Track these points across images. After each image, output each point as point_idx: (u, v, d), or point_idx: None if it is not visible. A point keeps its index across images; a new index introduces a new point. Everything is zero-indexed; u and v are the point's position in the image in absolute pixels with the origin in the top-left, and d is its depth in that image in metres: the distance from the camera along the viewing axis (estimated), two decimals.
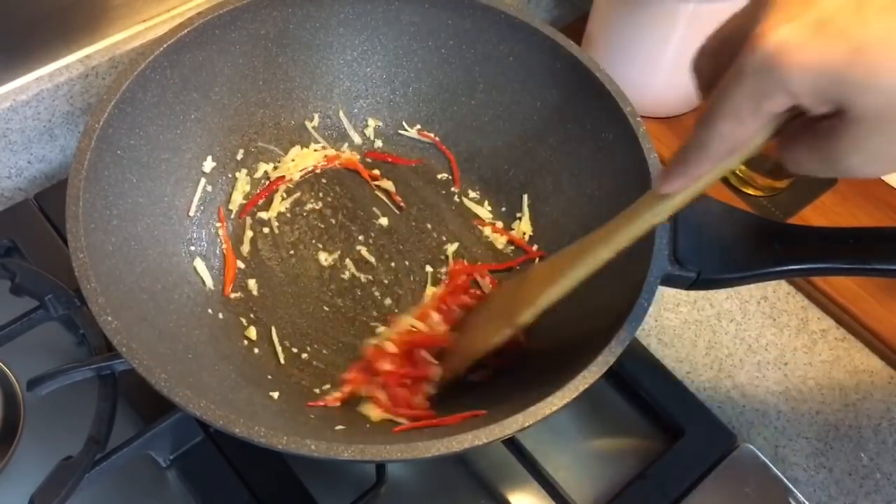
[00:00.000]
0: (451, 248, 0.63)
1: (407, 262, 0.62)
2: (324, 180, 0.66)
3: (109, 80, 0.67)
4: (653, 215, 0.42)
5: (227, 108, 0.61)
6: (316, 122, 0.66)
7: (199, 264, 0.58)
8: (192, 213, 0.59)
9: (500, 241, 0.64)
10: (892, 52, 0.28)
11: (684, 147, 0.36)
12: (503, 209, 0.65)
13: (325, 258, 0.62)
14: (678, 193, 0.39)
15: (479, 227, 0.64)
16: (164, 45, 0.54)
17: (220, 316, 0.57)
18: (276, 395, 0.53)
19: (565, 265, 0.46)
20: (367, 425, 0.52)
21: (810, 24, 0.29)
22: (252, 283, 0.60)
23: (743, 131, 0.34)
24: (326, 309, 0.60)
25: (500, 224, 0.64)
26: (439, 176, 0.67)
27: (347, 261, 0.62)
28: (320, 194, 0.65)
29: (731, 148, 0.35)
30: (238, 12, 0.58)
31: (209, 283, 0.58)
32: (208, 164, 0.61)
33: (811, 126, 0.33)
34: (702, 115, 0.35)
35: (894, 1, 0.29)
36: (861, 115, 0.31)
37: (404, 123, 0.67)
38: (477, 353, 0.51)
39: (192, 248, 0.59)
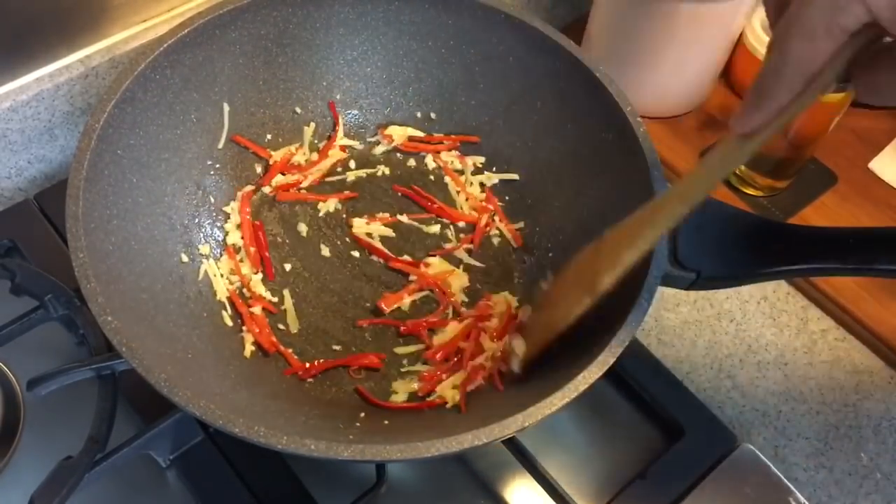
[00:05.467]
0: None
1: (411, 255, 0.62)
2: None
3: (109, 80, 0.67)
4: (729, 162, 0.39)
5: None
6: (313, 126, 0.66)
7: (203, 264, 0.58)
8: (195, 216, 0.59)
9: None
10: None
11: (757, 79, 0.33)
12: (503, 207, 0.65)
13: (325, 251, 0.62)
14: (757, 135, 0.36)
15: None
16: (164, 45, 0.54)
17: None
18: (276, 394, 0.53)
19: (643, 226, 0.43)
20: (358, 423, 0.52)
21: None
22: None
23: (817, 51, 0.31)
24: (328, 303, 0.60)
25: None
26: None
27: (352, 253, 0.62)
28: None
29: (806, 73, 0.32)
30: (238, 12, 0.58)
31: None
32: (209, 165, 0.61)
33: (892, 49, 0.31)
34: (773, 40, 0.33)
35: None
36: None
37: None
38: (559, 325, 0.49)
39: (192, 247, 0.59)
